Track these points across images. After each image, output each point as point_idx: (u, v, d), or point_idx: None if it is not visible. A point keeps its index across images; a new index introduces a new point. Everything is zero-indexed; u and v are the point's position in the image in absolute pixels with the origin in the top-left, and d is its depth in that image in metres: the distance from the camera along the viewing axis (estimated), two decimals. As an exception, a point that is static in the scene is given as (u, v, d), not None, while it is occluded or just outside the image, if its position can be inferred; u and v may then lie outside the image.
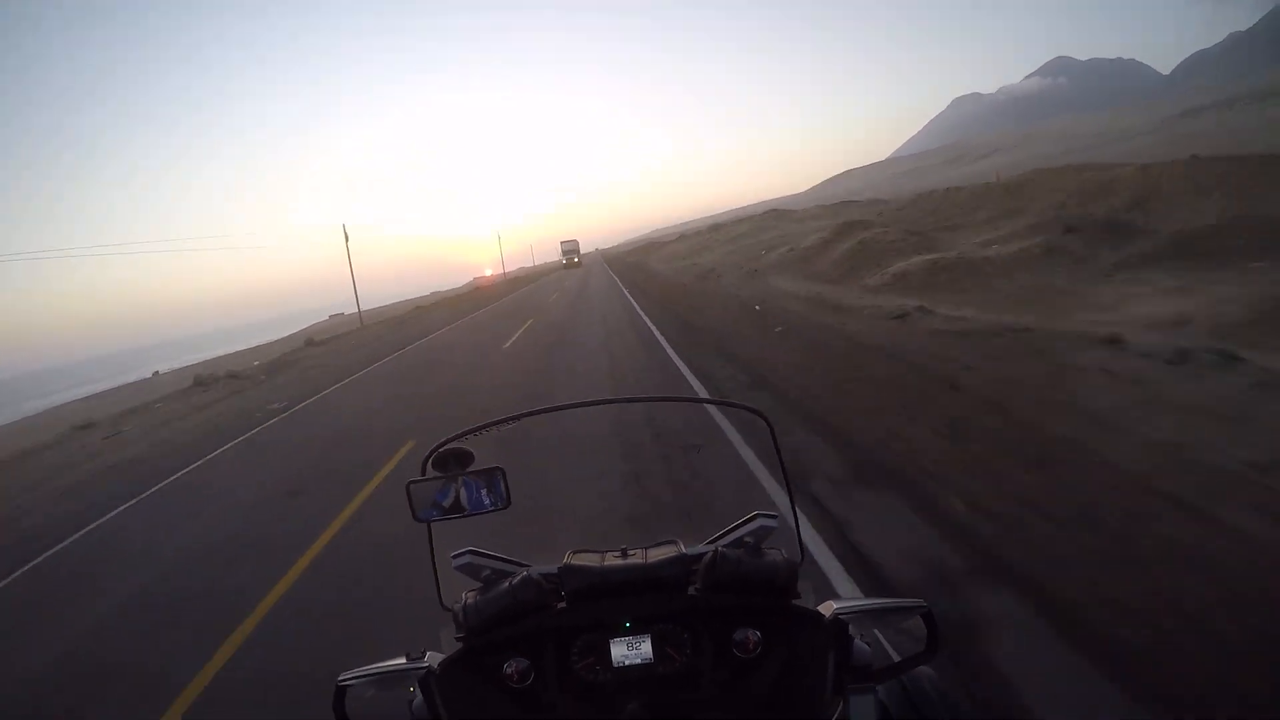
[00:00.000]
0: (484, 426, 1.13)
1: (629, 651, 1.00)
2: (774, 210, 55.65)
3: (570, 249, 76.85)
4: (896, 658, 0.96)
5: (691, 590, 1.00)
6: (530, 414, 1.17)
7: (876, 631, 1.03)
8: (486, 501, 1.06)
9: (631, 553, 1.05)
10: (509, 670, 0.98)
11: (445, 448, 1.08)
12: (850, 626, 0.94)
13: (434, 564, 1.11)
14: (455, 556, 1.06)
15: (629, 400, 1.41)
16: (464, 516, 1.06)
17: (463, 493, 1.06)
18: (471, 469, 1.07)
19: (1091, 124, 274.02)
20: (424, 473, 1.07)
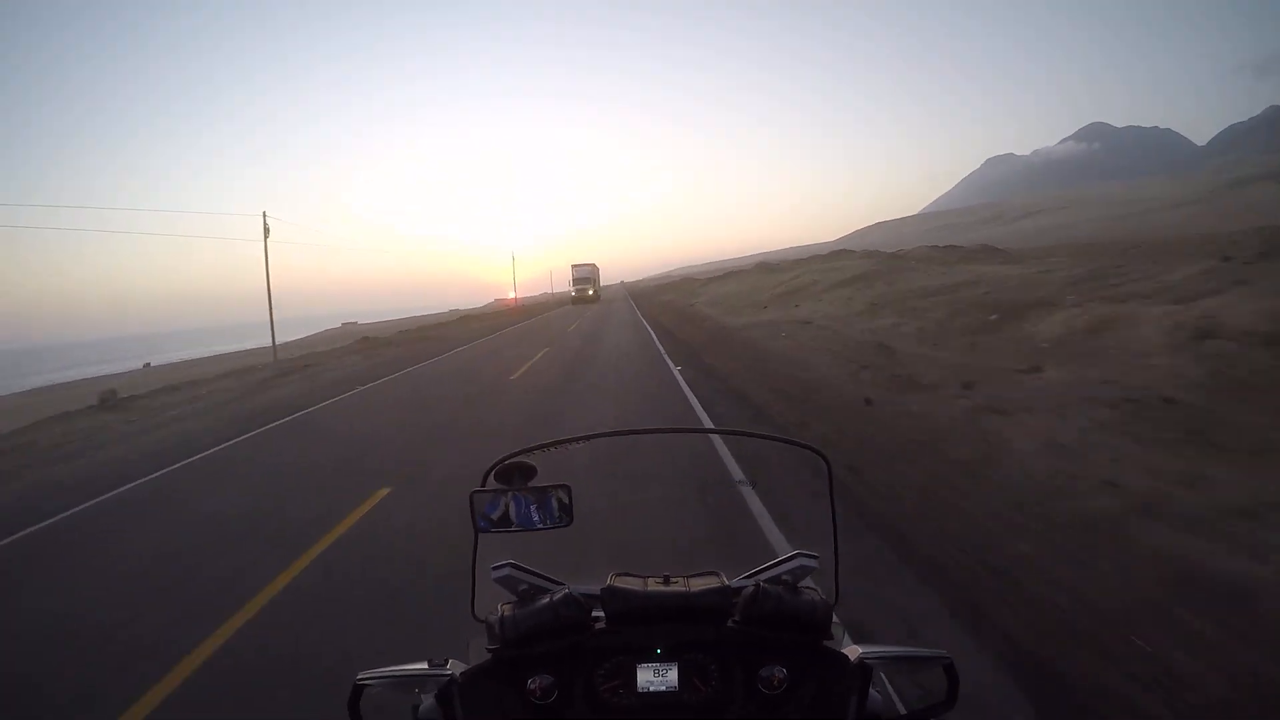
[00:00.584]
0: (551, 445, 1.13)
1: (655, 678, 1.00)
2: (871, 251, 39.59)
3: (584, 276, 58.85)
4: (901, 708, 0.99)
5: (730, 623, 1.01)
6: (599, 435, 1.18)
7: (884, 676, 1.05)
8: (537, 519, 1.08)
9: (674, 580, 1.05)
10: (533, 686, 0.99)
11: (510, 460, 1.09)
12: (873, 672, 0.94)
13: (474, 574, 1.11)
14: (495, 569, 1.07)
15: (694, 431, 1.70)
16: (522, 530, 1.08)
17: (523, 507, 1.07)
18: (534, 483, 1.09)
19: (1133, 190, 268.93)
20: (484, 484, 1.09)
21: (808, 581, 1.07)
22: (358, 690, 0.93)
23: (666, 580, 1.05)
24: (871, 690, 0.95)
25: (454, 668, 0.98)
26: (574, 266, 60.35)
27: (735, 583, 1.07)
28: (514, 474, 1.08)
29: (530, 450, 1.10)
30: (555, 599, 1.00)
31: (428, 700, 0.96)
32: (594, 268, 61.16)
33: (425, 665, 0.97)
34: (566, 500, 1.09)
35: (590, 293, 57.28)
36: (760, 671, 0.99)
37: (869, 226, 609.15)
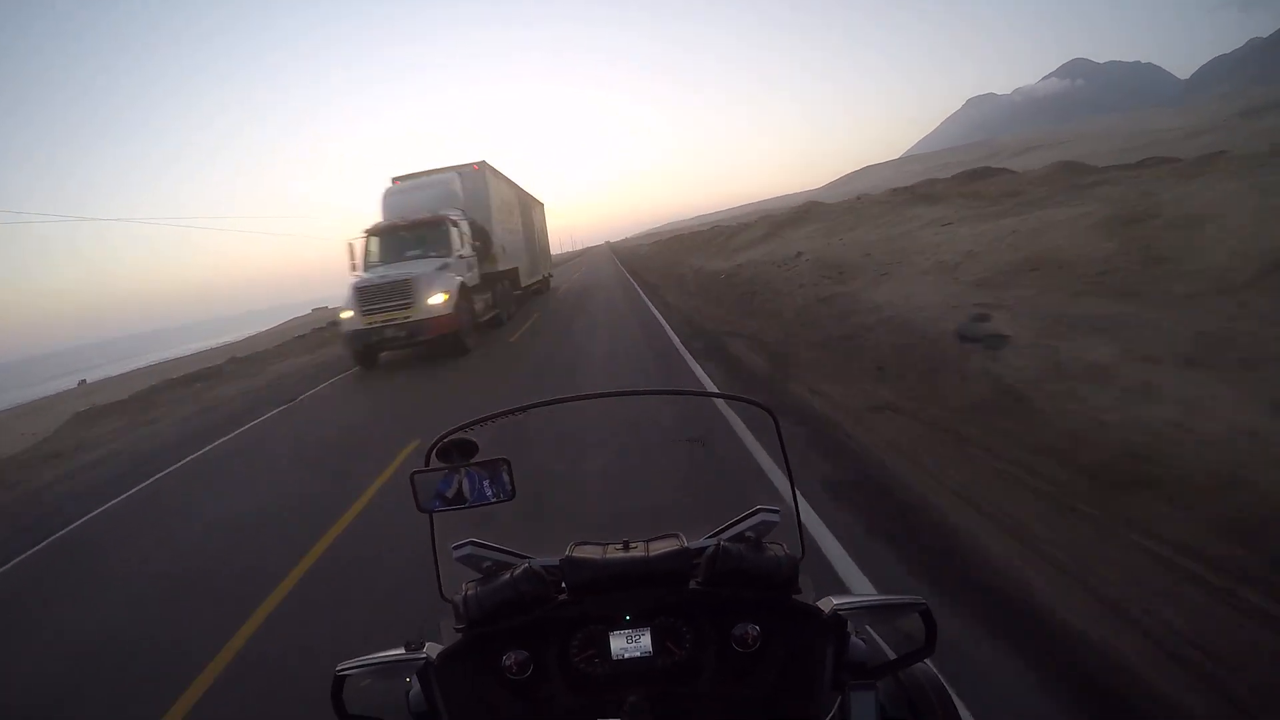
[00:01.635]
0: (489, 418, 1.10)
1: (629, 644, 1.01)
2: (905, 189, 21.83)
3: (406, 241, 11.34)
4: (891, 654, 0.97)
5: (693, 584, 1.01)
6: (536, 405, 1.14)
7: (869, 628, 1.03)
8: (489, 493, 1.06)
9: (633, 545, 1.05)
10: (508, 662, 0.99)
11: (449, 438, 1.07)
12: (849, 622, 0.94)
13: (435, 554, 1.09)
14: (456, 548, 1.06)
15: (636, 393, 1.39)
16: (467, 507, 1.06)
17: (466, 483, 1.05)
18: (476, 459, 1.07)
19: (1135, 123, 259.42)
20: (428, 463, 1.06)
21: (772, 537, 1.06)
22: (339, 681, 0.92)
23: (626, 546, 1.05)
24: (854, 638, 0.95)
25: (430, 650, 0.96)
26: (389, 193, 12.91)
27: (698, 543, 1.07)
28: (453, 451, 1.06)
29: (468, 426, 1.09)
30: (516, 574, 1.00)
31: (415, 685, 0.95)
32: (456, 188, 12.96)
33: (403, 650, 0.96)
34: (509, 472, 1.07)
35: (509, 282, 15.05)
36: (733, 630, 1.00)
37: (859, 170, 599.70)
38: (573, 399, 1.16)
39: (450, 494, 1.05)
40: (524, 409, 1.10)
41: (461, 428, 1.07)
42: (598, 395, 1.18)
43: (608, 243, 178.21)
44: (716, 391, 5.55)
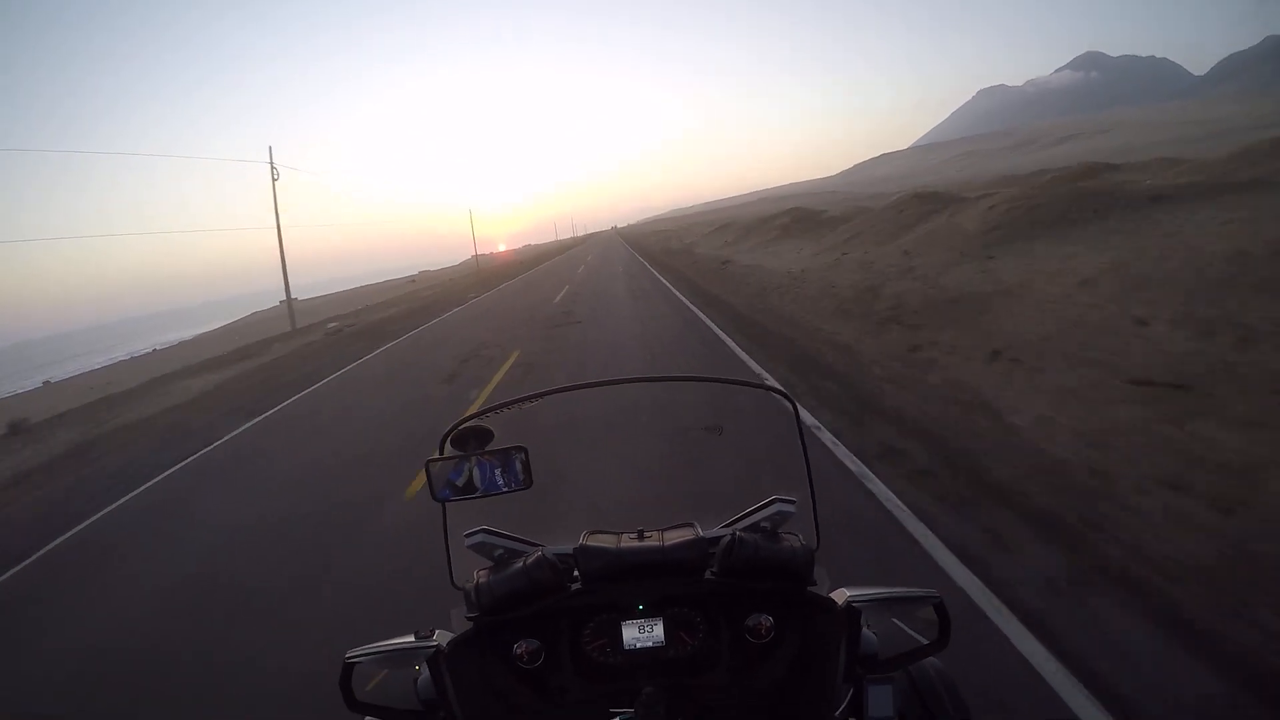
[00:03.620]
0: (506, 405, 1.11)
1: (641, 634, 1.00)
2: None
3: None
4: (905, 647, 0.97)
5: (708, 574, 1.00)
6: (553, 391, 1.16)
7: (895, 620, 1.03)
8: (501, 482, 1.06)
9: (648, 535, 1.04)
10: (519, 650, 0.98)
11: (464, 425, 1.07)
12: (862, 615, 0.94)
13: (446, 543, 1.10)
14: (468, 535, 1.06)
15: (651, 380, 1.52)
16: (481, 496, 1.06)
17: (479, 472, 1.05)
18: (491, 447, 1.06)
19: (1173, 114, 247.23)
20: (442, 452, 1.06)
21: (788, 527, 1.06)
22: (348, 669, 0.93)
23: (641, 535, 1.04)
24: (866, 630, 0.96)
25: (440, 638, 0.97)
26: None
27: (713, 533, 1.07)
28: (469, 439, 1.07)
29: (484, 413, 1.09)
30: (529, 562, 0.99)
31: (424, 673, 0.96)
32: None
33: (412, 638, 0.97)
34: (525, 461, 1.07)
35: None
36: (746, 621, 1.00)
37: (876, 158, 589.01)
38: (587, 385, 1.17)
39: (461, 482, 1.04)
40: (539, 395, 1.12)
41: (477, 415, 1.07)
42: (613, 382, 1.19)
43: (614, 228, 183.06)
44: (736, 379, 3.45)
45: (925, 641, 0.96)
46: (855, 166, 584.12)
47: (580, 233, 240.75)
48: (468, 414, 1.09)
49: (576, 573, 1.02)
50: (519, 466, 1.07)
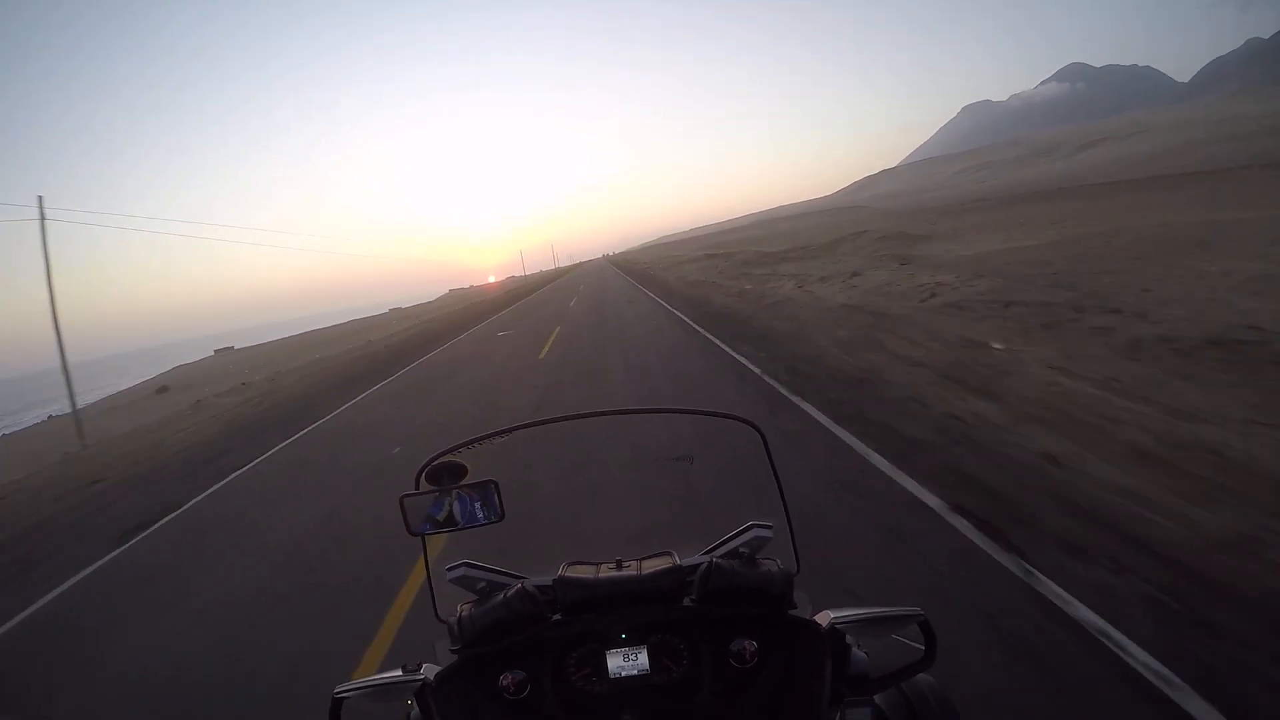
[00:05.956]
0: (478, 440, 1.12)
1: (625, 663, 1.01)
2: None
3: None
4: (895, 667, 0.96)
5: (687, 601, 1.01)
6: (524, 426, 1.18)
7: (896, 636, 1.01)
8: (480, 514, 1.07)
9: (626, 564, 1.05)
10: (505, 682, 0.99)
11: (438, 461, 1.08)
12: (847, 636, 0.94)
13: (429, 576, 1.11)
14: (450, 569, 1.06)
15: (624, 413, 1.36)
16: (458, 530, 1.07)
17: (456, 506, 1.06)
18: (465, 482, 1.08)
19: (1195, 113, 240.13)
20: (417, 486, 1.07)
21: (766, 552, 1.06)
22: (337, 704, 0.93)
23: (619, 565, 1.06)
24: (856, 651, 0.95)
25: (427, 671, 0.97)
26: None
27: (691, 560, 1.07)
28: (443, 474, 1.08)
29: (456, 449, 1.10)
30: (509, 594, 1.00)
31: (415, 708, 0.96)
32: None
33: (399, 672, 0.97)
34: (498, 494, 1.08)
35: None
36: (730, 646, 1.00)
37: (871, 176, 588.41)
38: (559, 419, 1.18)
39: (440, 516, 1.06)
40: (511, 430, 1.14)
41: (450, 450, 1.09)
42: (586, 415, 1.20)
43: (605, 256, 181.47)
44: (704, 410, 3.05)
45: (915, 659, 0.95)
46: (850, 186, 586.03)
47: (565, 262, 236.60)
48: (440, 451, 1.09)
49: (558, 604, 1.02)
50: (497, 500, 1.08)
